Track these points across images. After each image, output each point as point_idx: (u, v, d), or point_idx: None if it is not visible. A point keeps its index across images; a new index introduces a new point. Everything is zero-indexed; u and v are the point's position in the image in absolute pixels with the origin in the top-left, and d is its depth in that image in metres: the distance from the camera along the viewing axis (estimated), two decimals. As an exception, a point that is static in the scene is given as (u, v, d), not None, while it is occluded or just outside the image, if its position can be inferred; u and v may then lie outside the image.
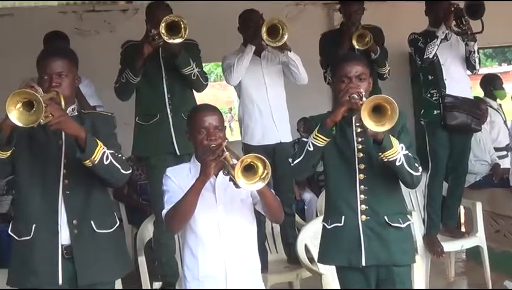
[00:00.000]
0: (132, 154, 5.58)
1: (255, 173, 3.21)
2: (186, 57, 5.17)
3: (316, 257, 4.76)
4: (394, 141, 3.51)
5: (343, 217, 3.76)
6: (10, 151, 3.38)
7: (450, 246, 6.21)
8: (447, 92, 6.09)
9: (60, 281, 3.53)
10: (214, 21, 7.88)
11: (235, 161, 3.30)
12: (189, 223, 3.53)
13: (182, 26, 4.91)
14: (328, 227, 3.85)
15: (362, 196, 3.72)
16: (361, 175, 3.72)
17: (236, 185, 3.25)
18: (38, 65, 3.59)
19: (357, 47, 5.94)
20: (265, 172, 3.20)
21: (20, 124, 3.18)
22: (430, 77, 6.25)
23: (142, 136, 5.37)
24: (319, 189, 8.09)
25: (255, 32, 5.67)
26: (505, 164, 7.42)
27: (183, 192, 3.44)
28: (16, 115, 3.17)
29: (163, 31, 4.87)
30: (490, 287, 6.23)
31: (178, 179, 3.60)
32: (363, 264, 3.70)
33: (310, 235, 5.00)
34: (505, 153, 7.72)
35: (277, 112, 5.93)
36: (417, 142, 6.15)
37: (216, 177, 3.50)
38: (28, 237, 3.56)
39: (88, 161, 3.39)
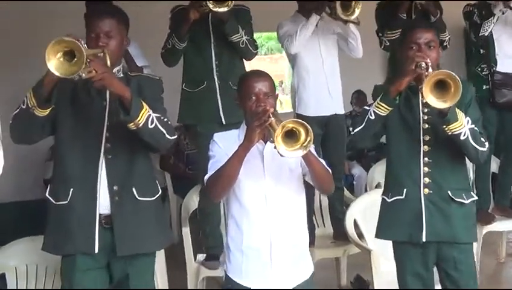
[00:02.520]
0: (178, 122, 5.46)
1: (296, 139, 3.06)
2: (235, 23, 5.01)
3: (365, 232, 4.63)
4: (460, 114, 3.36)
5: (405, 189, 3.63)
6: (49, 110, 3.24)
7: (502, 225, 5.96)
8: (497, 69, 5.89)
9: (96, 249, 3.40)
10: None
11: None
12: (235, 192, 3.40)
13: None
14: (388, 200, 3.73)
15: (426, 169, 3.58)
16: (426, 147, 3.59)
17: (279, 152, 3.12)
18: (86, 23, 3.45)
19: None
20: (308, 139, 3.05)
21: (59, 74, 3.02)
22: (481, 51, 6.05)
23: (188, 103, 5.23)
24: (369, 164, 7.89)
25: (321, 2, 5.50)
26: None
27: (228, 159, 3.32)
28: (55, 65, 3.01)
29: None
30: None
31: (225, 145, 3.46)
32: (424, 239, 3.57)
33: (360, 210, 4.84)
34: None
35: (332, 83, 5.77)
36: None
37: (265, 144, 3.36)
38: (65, 202, 3.42)
39: (132, 123, 3.23)
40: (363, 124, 3.58)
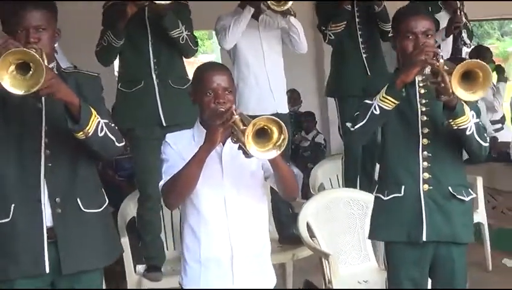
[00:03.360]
0: (116, 124, 5.08)
1: (269, 138, 2.80)
2: (174, 18, 4.69)
3: (319, 235, 4.41)
4: (466, 107, 3.20)
5: (403, 186, 3.45)
6: None
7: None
8: None
9: (48, 269, 3.04)
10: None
11: (244, 127, 2.90)
12: (191, 198, 3.12)
13: None
14: (385, 198, 3.51)
15: (425, 163, 3.41)
16: (425, 140, 3.42)
17: (247, 154, 2.86)
18: (8, 17, 3.04)
19: None
20: (281, 138, 2.79)
21: (18, 92, 2.71)
22: None
23: (124, 104, 4.89)
24: (305, 165, 7.70)
25: None
26: (502, 137, 7.16)
27: (184, 162, 3.03)
28: (9, 82, 2.69)
29: None
30: (490, 266, 5.99)
31: (179, 146, 3.19)
32: (424, 239, 3.38)
33: (312, 213, 4.61)
34: (500, 125, 7.50)
35: (274, 80, 5.50)
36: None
37: (223, 145, 3.10)
38: (7, 220, 3.05)
39: (81, 132, 2.93)
40: (365, 120, 3.35)
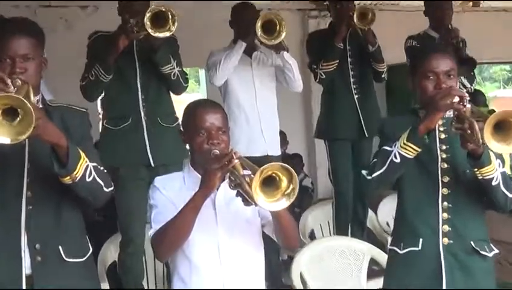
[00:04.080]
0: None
1: (277, 187, 2.54)
2: (167, 53, 4.47)
3: (313, 286, 4.16)
4: (492, 155, 2.94)
5: (421, 239, 3.17)
6: None
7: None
8: None
9: None
10: (191, 21, 7.21)
11: (245, 171, 2.67)
12: (182, 247, 2.88)
13: (170, 17, 4.21)
14: (400, 252, 3.23)
15: (445, 215, 3.15)
16: (445, 190, 3.15)
17: (247, 201, 2.65)
18: None
19: (360, 26, 5.37)
20: (291, 187, 2.53)
21: (5, 141, 2.46)
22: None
23: (110, 142, 4.61)
24: (291, 210, 7.42)
25: (247, 28, 5.02)
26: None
27: (175, 208, 2.81)
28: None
29: (147, 22, 4.16)
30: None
31: (169, 191, 2.97)
32: None
33: (306, 261, 4.34)
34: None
35: (266, 120, 5.26)
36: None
37: (217, 191, 2.87)
38: None
39: (68, 177, 2.67)
40: (385, 168, 3.08)
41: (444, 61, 3.12)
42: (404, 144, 3.01)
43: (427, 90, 3.10)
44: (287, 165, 2.52)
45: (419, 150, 3.02)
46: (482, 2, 9.74)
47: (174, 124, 4.66)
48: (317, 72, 5.55)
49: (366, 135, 5.62)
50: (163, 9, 4.22)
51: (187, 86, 4.74)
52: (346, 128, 5.58)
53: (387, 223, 5.87)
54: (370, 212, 5.76)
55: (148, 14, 4.17)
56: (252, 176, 2.63)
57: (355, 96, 5.63)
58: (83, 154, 2.71)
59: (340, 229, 5.65)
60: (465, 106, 2.91)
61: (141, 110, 4.57)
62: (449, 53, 3.24)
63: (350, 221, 5.68)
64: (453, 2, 5.77)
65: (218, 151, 2.83)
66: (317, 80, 5.63)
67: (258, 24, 4.81)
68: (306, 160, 8.50)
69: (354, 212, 5.68)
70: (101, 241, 6.66)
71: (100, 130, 4.79)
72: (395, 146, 3.06)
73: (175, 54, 4.63)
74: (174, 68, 4.53)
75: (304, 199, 7.90)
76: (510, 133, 2.82)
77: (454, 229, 3.13)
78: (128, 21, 4.31)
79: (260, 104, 5.24)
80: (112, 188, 2.93)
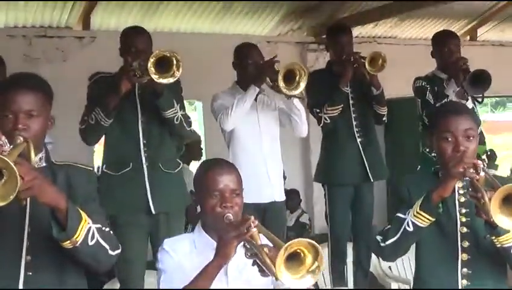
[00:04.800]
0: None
1: (301, 263, 2.37)
2: (170, 96, 4.30)
3: None
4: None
5: None
6: None
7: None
8: None
9: None
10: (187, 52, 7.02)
11: (263, 240, 2.53)
12: None
13: (175, 62, 4.03)
14: None
15: (464, 282, 3.00)
16: (465, 255, 3.00)
17: (264, 272, 2.50)
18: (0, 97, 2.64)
19: (372, 72, 5.20)
20: (316, 264, 2.36)
21: None
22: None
23: (110, 189, 4.38)
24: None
25: (259, 73, 4.87)
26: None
27: (184, 273, 2.66)
28: None
29: (151, 68, 3.97)
30: None
31: (179, 254, 2.80)
32: None
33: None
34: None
35: (272, 165, 5.10)
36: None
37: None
38: None
39: (68, 241, 2.48)
40: (398, 236, 2.94)
41: (464, 122, 2.96)
42: (417, 212, 2.88)
43: (445, 152, 2.96)
44: (313, 242, 2.36)
45: (432, 219, 2.88)
46: (478, 36, 9.76)
47: (176, 170, 4.53)
48: (320, 116, 5.39)
49: (372, 180, 5.49)
50: (168, 54, 4.03)
51: (190, 130, 4.60)
52: (350, 173, 5.44)
53: (390, 268, 5.73)
54: (373, 257, 5.61)
55: (152, 60, 3.98)
56: (270, 245, 2.50)
57: (358, 140, 5.47)
58: (84, 216, 2.53)
59: (335, 273, 5.52)
60: (478, 173, 2.77)
61: (142, 156, 4.40)
62: (469, 113, 3.09)
63: (353, 267, 5.53)
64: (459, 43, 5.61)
65: (231, 216, 2.70)
66: (320, 125, 5.46)
67: (280, 76, 4.64)
68: (303, 195, 8.38)
69: (357, 257, 5.53)
70: (92, 280, 6.52)
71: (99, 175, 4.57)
72: (408, 214, 2.92)
73: (178, 96, 4.48)
74: (177, 112, 4.36)
75: (302, 236, 7.77)
76: None
77: None
78: (131, 64, 4.15)
79: (266, 149, 5.08)
80: (118, 251, 2.73)
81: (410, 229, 2.90)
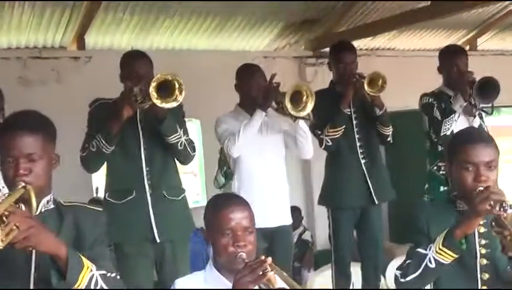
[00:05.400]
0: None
1: None
2: (173, 122, 4.21)
3: None
4: None
5: None
6: None
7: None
8: None
9: None
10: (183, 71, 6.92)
11: (280, 284, 2.43)
12: None
13: (177, 86, 3.95)
14: None
15: None
16: (485, 287, 2.87)
17: None
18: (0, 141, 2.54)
19: (371, 94, 5.06)
20: None
21: None
22: (440, 148, 5.40)
23: (112, 217, 4.18)
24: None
25: (265, 96, 4.74)
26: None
27: None
28: None
29: (153, 93, 3.88)
30: None
31: None
32: None
33: None
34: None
35: (279, 190, 4.99)
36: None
37: None
38: None
39: None
40: (419, 272, 2.81)
41: (484, 151, 2.84)
42: (439, 249, 2.75)
43: (465, 182, 2.83)
44: None
45: (456, 256, 2.75)
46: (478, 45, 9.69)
47: (180, 197, 4.44)
48: (322, 138, 5.25)
49: (376, 203, 5.36)
50: (170, 78, 3.94)
51: (194, 154, 4.47)
52: (355, 197, 5.31)
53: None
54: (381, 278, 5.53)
55: (153, 84, 3.89)
56: (286, 287, 2.41)
57: (362, 161, 5.33)
58: (86, 263, 2.44)
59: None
60: (506, 211, 2.64)
61: (145, 183, 4.30)
62: (492, 142, 2.94)
63: (362, 287, 5.43)
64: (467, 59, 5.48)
65: (245, 255, 2.60)
66: (322, 147, 5.32)
67: (287, 98, 4.55)
68: (305, 212, 8.27)
69: (364, 281, 5.41)
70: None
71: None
72: (429, 249, 2.80)
73: (181, 121, 4.39)
74: (180, 137, 4.27)
75: (305, 253, 7.70)
76: None
77: None
78: (132, 89, 4.06)
79: (272, 173, 4.96)
80: None
81: (432, 265, 2.78)
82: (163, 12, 7.15)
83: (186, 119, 4.59)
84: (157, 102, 3.92)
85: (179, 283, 2.77)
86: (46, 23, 6.88)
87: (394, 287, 3.00)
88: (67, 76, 7.24)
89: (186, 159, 4.43)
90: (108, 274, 2.53)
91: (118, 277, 2.63)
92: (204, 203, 7.78)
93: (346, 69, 5.25)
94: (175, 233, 4.30)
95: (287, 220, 5.06)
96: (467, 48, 9.32)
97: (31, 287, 2.52)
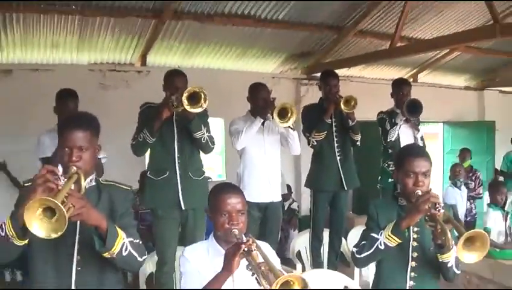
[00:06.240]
0: (142, 204, 4.30)
1: (289, 287, 2.02)
2: (199, 122, 3.94)
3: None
4: (451, 243, 2.51)
5: None
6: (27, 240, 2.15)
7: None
8: None
9: None
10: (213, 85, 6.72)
11: (260, 259, 2.17)
12: None
13: (202, 96, 3.71)
14: None
15: (411, 282, 2.71)
16: (413, 263, 2.72)
17: (260, 285, 2.13)
18: (60, 134, 2.35)
19: (345, 110, 4.80)
20: None
21: (42, 235, 1.96)
22: (389, 151, 5.21)
23: (152, 189, 4.07)
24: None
25: (264, 108, 4.49)
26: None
27: (199, 275, 2.33)
28: (37, 225, 1.95)
29: (185, 100, 3.66)
30: None
31: (195, 260, 2.45)
32: None
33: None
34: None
35: (272, 175, 4.69)
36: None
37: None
38: None
39: (107, 253, 2.19)
40: (371, 251, 2.63)
41: (424, 163, 2.66)
42: (388, 235, 2.58)
43: (407, 185, 2.67)
44: (302, 276, 1.98)
45: (400, 241, 2.58)
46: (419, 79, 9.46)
47: (202, 177, 4.15)
48: (309, 139, 5.00)
49: (345, 189, 5.09)
50: (198, 90, 3.71)
51: (213, 147, 4.17)
52: (331, 183, 5.04)
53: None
54: (343, 240, 5.22)
55: (185, 94, 3.68)
56: (263, 262, 2.13)
57: (338, 158, 5.05)
58: (120, 233, 2.25)
59: (314, 251, 5.12)
60: (439, 210, 2.49)
61: (176, 166, 4.02)
62: (428, 156, 2.75)
63: (327, 249, 5.14)
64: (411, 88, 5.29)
65: (237, 231, 2.36)
66: (309, 145, 5.05)
67: (276, 112, 4.34)
68: (294, 188, 7.99)
69: (330, 243, 5.13)
70: (142, 243, 6.10)
71: (144, 179, 4.24)
72: (380, 235, 2.61)
73: (205, 122, 4.11)
74: (204, 134, 4.00)
75: (292, 218, 7.41)
76: (475, 246, 2.41)
77: None
78: (170, 97, 3.82)
79: (268, 162, 4.67)
80: (145, 257, 2.41)
81: (382, 247, 2.61)
82: (202, 41, 6.97)
83: (213, 118, 4.34)
84: (187, 107, 3.69)
85: (187, 250, 2.52)
86: (120, 46, 6.71)
87: (352, 249, 2.76)
88: (133, 84, 7.03)
89: (207, 150, 4.14)
90: (135, 241, 2.34)
91: (141, 242, 2.39)
92: (225, 178, 7.61)
93: (331, 90, 4.99)
94: (196, 203, 4.03)
95: (278, 197, 4.77)
96: (411, 80, 9.07)
97: (76, 245, 2.33)
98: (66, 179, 2.14)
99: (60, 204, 1.93)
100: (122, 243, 2.24)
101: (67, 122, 2.38)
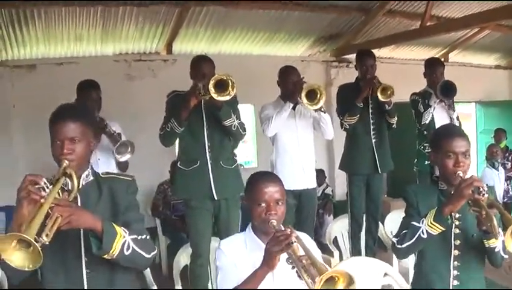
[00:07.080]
0: (174, 195, 4.20)
1: (334, 284, 1.88)
2: (228, 109, 3.80)
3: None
4: (497, 228, 2.33)
5: None
6: None
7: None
8: None
9: None
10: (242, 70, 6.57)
11: (301, 252, 2.04)
12: None
13: (230, 84, 3.55)
14: None
15: (455, 272, 2.56)
16: (456, 251, 2.57)
17: (300, 279, 2.02)
18: (50, 127, 2.23)
19: (381, 99, 4.62)
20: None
21: (20, 267, 1.84)
22: (425, 132, 5.02)
23: (183, 180, 3.96)
24: (316, 211, 6.77)
25: (294, 92, 4.33)
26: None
27: (238, 270, 2.20)
28: (14, 256, 1.83)
29: (211, 88, 3.52)
30: None
31: (232, 254, 2.32)
32: None
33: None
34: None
35: (306, 161, 4.55)
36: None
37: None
38: None
39: (105, 255, 2.06)
40: (413, 241, 2.48)
41: (463, 143, 2.51)
42: (431, 223, 2.42)
43: (447, 167, 2.51)
44: (347, 272, 1.84)
45: (443, 229, 2.42)
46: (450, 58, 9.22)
47: (233, 166, 4.02)
48: (342, 122, 4.84)
49: (380, 172, 4.92)
50: (225, 78, 3.56)
51: (245, 134, 4.04)
52: (365, 166, 4.87)
53: (391, 232, 5.15)
54: (380, 225, 5.06)
55: (212, 82, 3.53)
56: (304, 255, 2.00)
57: (373, 141, 4.88)
58: (119, 231, 2.11)
59: (354, 237, 4.96)
60: (483, 195, 2.32)
61: (207, 155, 3.90)
62: (466, 136, 2.59)
63: (364, 234, 4.99)
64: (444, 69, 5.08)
65: (275, 222, 2.22)
66: (342, 129, 4.90)
67: (303, 94, 4.18)
68: (327, 173, 7.82)
69: (367, 228, 4.98)
70: (175, 234, 6.04)
71: (175, 170, 4.13)
72: (422, 223, 2.45)
73: (235, 109, 3.96)
74: (234, 121, 3.86)
75: (327, 203, 7.26)
76: None
77: (462, 284, 2.57)
78: (197, 85, 3.68)
79: (302, 148, 4.53)
80: (154, 252, 2.26)
81: (424, 236, 2.45)
82: (228, 27, 6.82)
83: (243, 104, 4.20)
84: (214, 95, 3.55)
85: (224, 243, 2.39)
86: (145, 35, 6.60)
87: (392, 239, 2.62)
88: (159, 73, 6.95)
89: (238, 137, 4.01)
90: (139, 237, 2.19)
91: (148, 237, 2.26)
92: (256, 165, 7.49)
93: (367, 70, 4.81)
94: (228, 193, 3.91)
95: (312, 184, 4.63)
96: (442, 60, 8.80)
97: (82, 251, 2.22)
98: (51, 187, 2.01)
99: (32, 240, 1.80)
100: (123, 242, 2.10)
101: (56, 114, 2.25)
